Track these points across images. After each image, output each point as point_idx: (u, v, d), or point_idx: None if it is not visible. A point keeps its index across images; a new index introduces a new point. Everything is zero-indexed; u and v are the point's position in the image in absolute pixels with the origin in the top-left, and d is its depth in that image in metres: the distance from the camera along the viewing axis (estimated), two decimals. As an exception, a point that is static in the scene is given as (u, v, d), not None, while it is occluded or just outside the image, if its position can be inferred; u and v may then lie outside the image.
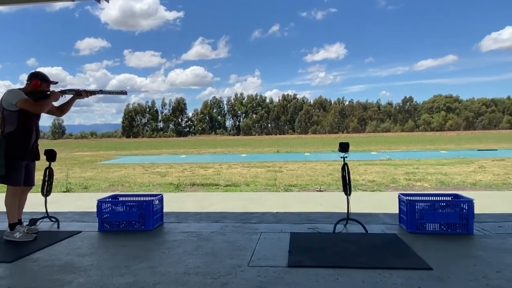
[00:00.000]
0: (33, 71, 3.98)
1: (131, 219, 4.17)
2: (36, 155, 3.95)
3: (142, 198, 4.44)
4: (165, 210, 4.65)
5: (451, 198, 4.11)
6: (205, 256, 3.23)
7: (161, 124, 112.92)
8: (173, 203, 5.82)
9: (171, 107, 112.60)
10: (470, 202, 3.81)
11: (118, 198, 4.56)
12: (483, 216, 4.42)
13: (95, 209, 4.23)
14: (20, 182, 3.77)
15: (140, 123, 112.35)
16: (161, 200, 4.52)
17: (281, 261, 3.05)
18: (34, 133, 3.87)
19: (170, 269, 2.94)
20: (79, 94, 4.01)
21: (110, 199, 4.43)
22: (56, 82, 4.04)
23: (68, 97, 4.08)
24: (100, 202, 4.21)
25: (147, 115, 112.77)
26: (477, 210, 3.86)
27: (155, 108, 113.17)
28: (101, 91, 4.13)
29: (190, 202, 6.15)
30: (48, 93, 3.91)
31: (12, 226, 3.76)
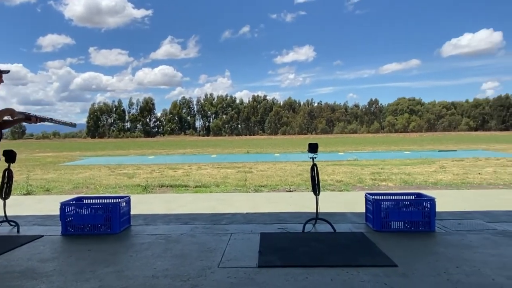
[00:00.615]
0: None
1: (96, 222, 4.05)
2: None
3: (108, 200, 4.32)
4: (132, 212, 4.54)
5: (414, 197, 4.28)
6: (174, 259, 3.18)
7: (128, 124, 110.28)
8: (141, 205, 5.69)
9: (138, 106, 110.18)
10: (432, 201, 3.97)
11: (83, 201, 4.41)
12: (444, 214, 4.63)
13: (58, 212, 4.07)
14: None
15: (106, 123, 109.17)
16: (128, 202, 4.41)
17: (251, 262, 3.05)
18: None
19: (138, 272, 2.88)
20: (28, 118, 3.70)
21: (74, 202, 4.27)
22: (8, 71, 3.72)
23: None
24: (64, 205, 4.05)
25: (114, 114, 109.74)
26: (438, 208, 4.04)
27: (122, 108, 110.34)
28: (51, 119, 3.82)
29: (158, 203, 6.04)
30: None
31: None
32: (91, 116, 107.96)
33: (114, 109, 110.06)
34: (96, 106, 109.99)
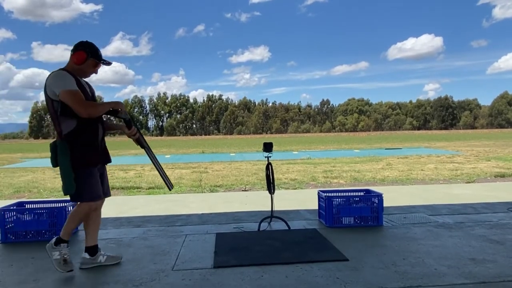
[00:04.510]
0: (83, 40, 2.89)
1: (40, 228, 3.80)
2: (107, 156, 3.04)
3: (53, 205, 4.07)
4: (80, 216, 4.31)
5: (364, 193, 4.47)
6: (125, 263, 3.06)
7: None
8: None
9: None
10: (380, 197, 4.17)
11: (25, 206, 4.12)
12: (391, 208, 4.88)
13: (-4, 219, 3.76)
14: (100, 193, 2.92)
15: (50, 123, 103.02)
16: (75, 206, 4.18)
17: (206, 263, 3.02)
18: (100, 125, 2.91)
19: (87, 279, 2.74)
20: (128, 124, 2.97)
21: (15, 207, 3.98)
22: (110, 63, 3.01)
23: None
24: (3, 211, 3.76)
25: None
26: (385, 203, 4.25)
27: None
28: (157, 163, 3.11)
29: (108, 206, 5.76)
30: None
31: (59, 242, 2.86)
32: (34, 115, 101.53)
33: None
34: (39, 104, 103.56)
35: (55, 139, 2.84)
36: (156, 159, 3.09)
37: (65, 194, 2.82)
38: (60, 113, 2.71)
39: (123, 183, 8.78)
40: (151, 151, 3.07)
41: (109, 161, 3.07)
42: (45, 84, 2.74)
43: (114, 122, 3.20)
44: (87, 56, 2.82)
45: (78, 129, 2.74)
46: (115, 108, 2.85)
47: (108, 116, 2.93)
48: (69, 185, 2.76)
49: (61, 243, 2.85)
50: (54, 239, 2.87)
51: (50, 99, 2.71)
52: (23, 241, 3.75)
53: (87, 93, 2.86)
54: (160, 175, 3.07)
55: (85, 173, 2.78)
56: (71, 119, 2.71)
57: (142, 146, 3.05)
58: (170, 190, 3.19)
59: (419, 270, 2.77)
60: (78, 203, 2.91)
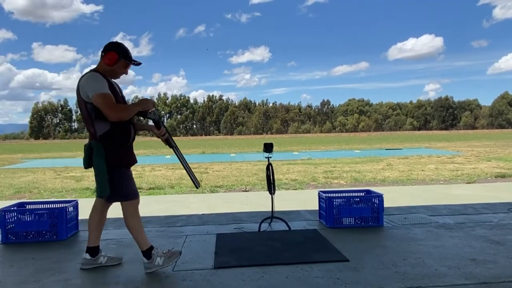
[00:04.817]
0: (112, 41, 2.92)
1: (41, 229, 3.80)
2: (135, 157, 3.01)
3: (54, 205, 4.07)
4: (81, 217, 4.31)
5: (364, 194, 4.47)
6: (126, 264, 3.07)
7: (75, 125, 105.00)
8: (90, 209, 5.42)
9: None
10: (380, 197, 4.17)
11: (25, 206, 4.13)
12: (391, 209, 4.88)
13: (-4, 220, 3.76)
14: (137, 192, 2.97)
15: (51, 123, 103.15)
16: (76, 206, 4.19)
17: (207, 263, 3.02)
18: (132, 127, 2.91)
19: (87, 280, 2.74)
20: (157, 124, 2.97)
21: (15, 208, 3.98)
22: (140, 63, 3.03)
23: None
24: (3, 211, 3.76)
25: (59, 114, 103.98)
26: (386, 204, 4.25)
27: (68, 107, 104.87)
28: (184, 162, 3.14)
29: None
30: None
31: (148, 253, 2.87)
32: (34, 116, 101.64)
33: (60, 108, 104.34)
34: (40, 105, 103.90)
35: (89, 140, 2.87)
36: (184, 158, 3.12)
37: (99, 195, 2.87)
38: (94, 116, 2.71)
39: (124, 183, 8.78)
40: (179, 150, 3.10)
41: (135, 162, 3.05)
42: (78, 85, 2.73)
43: (143, 122, 3.20)
44: (118, 57, 2.80)
45: (112, 131, 2.74)
46: (145, 109, 2.85)
47: (137, 116, 2.93)
48: (103, 186, 2.77)
49: (150, 251, 2.87)
50: (144, 258, 2.88)
51: (84, 100, 2.70)
52: (23, 241, 3.76)
53: (118, 95, 2.85)
54: (188, 173, 3.12)
55: (121, 173, 2.81)
56: (105, 121, 2.70)
57: (171, 146, 3.08)
58: (197, 188, 3.28)
59: (420, 271, 2.77)
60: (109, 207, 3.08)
